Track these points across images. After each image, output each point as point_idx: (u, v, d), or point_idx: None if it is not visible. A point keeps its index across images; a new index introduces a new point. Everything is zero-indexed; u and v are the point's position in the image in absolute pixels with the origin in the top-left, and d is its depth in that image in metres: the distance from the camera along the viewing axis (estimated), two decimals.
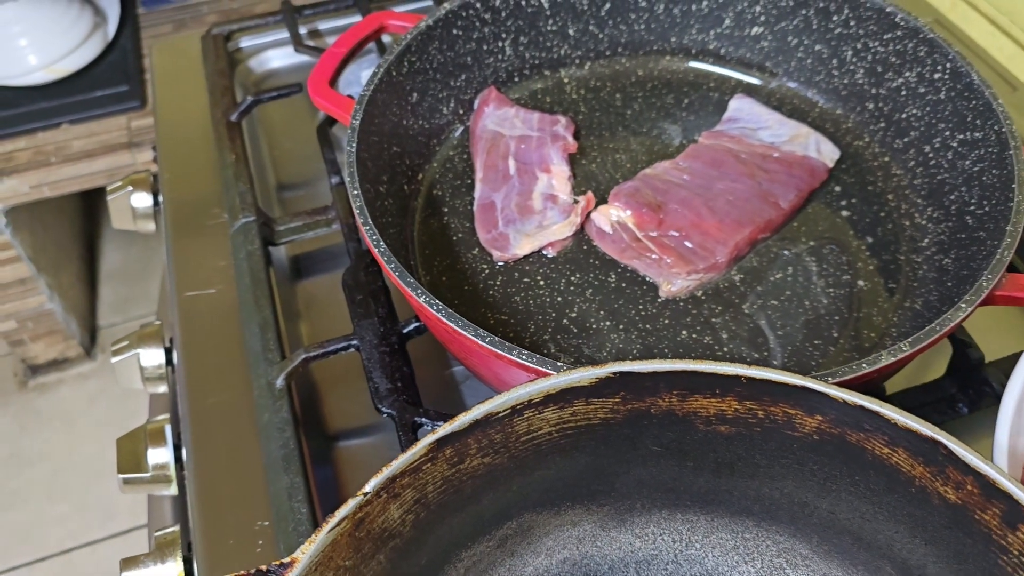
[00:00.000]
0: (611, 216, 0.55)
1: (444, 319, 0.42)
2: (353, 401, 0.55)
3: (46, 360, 1.58)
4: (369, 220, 0.47)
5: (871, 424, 0.35)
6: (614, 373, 0.36)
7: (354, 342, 0.53)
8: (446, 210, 0.59)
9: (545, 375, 0.37)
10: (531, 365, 0.41)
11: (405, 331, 0.53)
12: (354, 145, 0.51)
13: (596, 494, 0.42)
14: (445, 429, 0.35)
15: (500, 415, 0.36)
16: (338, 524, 0.33)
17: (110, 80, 1.37)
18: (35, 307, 1.48)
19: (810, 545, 0.41)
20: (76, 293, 1.62)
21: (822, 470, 0.39)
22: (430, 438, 0.35)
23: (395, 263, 0.45)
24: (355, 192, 0.48)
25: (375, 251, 0.46)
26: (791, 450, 0.39)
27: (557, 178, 0.59)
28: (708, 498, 0.42)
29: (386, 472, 0.34)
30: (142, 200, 0.72)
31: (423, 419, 0.49)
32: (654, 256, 0.54)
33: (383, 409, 0.50)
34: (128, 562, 0.53)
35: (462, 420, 0.36)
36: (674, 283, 0.53)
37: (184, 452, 0.55)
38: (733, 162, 0.58)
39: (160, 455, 0.57)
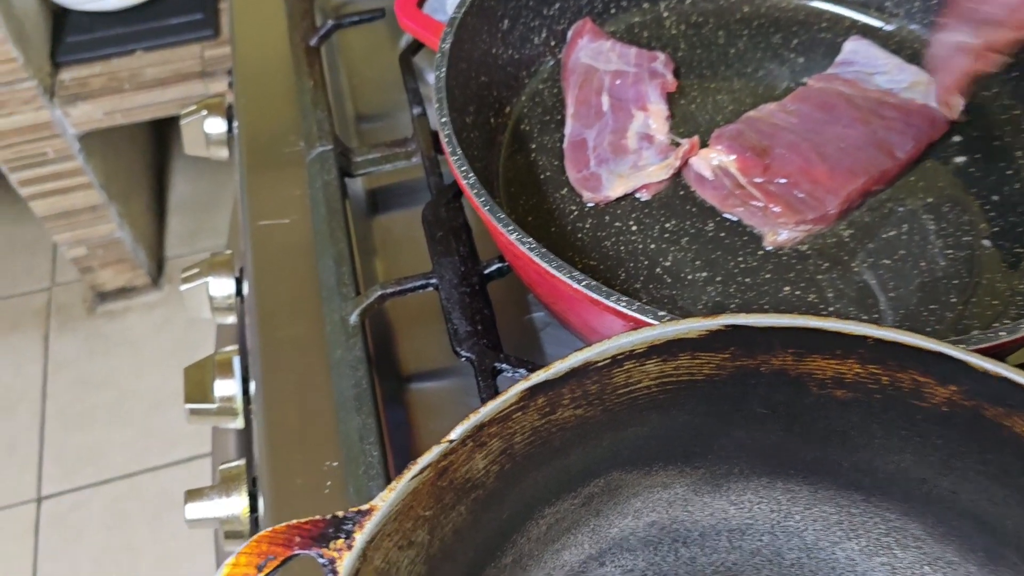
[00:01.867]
0: (712, 160, 0.51)
1: (537, 259, 0.39)
2: (429, 343, 0.53)
3: (114, 288, 1.59)
4: (458, 149, 0.44)
5: (1015, 399, 0.32)
6: (726, 326, 0.33)
7: (433, 280, 0.50)
8: (534, 146, 0.56)
9: (644, 324, 0.34)
10: (629, 313, 0.37)
11: (487, 272, 0.50)
12: (443, 70, 0.48)
13: (692, 456, 0.39)
14: (540, 376, 0.32)
15: (599, 364, 0.33)
16: (421, 472, 0.31)
17: (184, 7, 1.35)
18: (105, 235, 1.49)
19: (924, 526, 0.38)
20: (145, 222, 1.63)
21: (948, 445, 0.35)
22: (523, 385, 0.32)
23: (485, 196, 0.42)
24: (444, 120, 0.45)
25: (463, 183, 0.43)
26: (914, 421, 0.35)
27: (654, 117, 0.55)
28: (813, 467, 0.38)
29: (474, 419, 0.32)
30: (216, 125, 0.70)
31: (504, 365, 0.46)
32: (759, 204, 0.50)
33: (462, 352, 0.47)
34: (193, 494, 0.51)
35: (558, 367, 0.33)
36: (780, 233, 0.49)
37: (252, 385, 0.53)
38: (846, 106, 0.54)
39: (228, 387, 0.56)
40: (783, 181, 0.50)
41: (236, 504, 0.51)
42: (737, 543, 0.39)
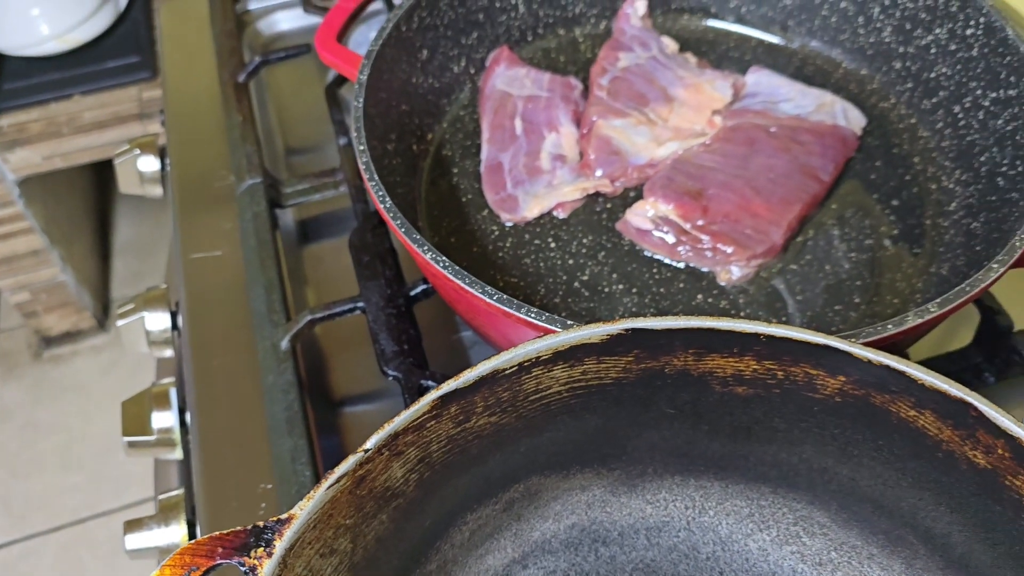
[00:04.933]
0: (648, 212, 0.52)
1: (451, 276, 0.41)
2: (359, 366, 0.54)
3: (60, 332, 1.58)
4: (375, 175, 0.45)
5: (897, 385, 0.34)
6: (626, 330, 0.35)
7: (360, 304, 0.52)
8: (455, 171, 0.58)
9: (554, 333, 0.36)
10: (540, 323, 0.39)
11: (412, 293, 0.52)
12: (361, 100, 0.49)
13: (607, 458, 0.40)
14: (450, 385, 0.34)
15: (507, 372, 0.35)
16: (337, 481, 0.32)
17: (121, 51, 1.36)
18: (48, 279, 1.48)
19: (829, 513, 0.40)
20: (89, 266, 1.62)
21: (843, 434, 0.37)
22: (434, 394, 0.34)
23: (401, 219, 0.43)
24: (362, 147, 0.47)
25: (380, 207, 0.44)
26: (811, 413, 0.37)
27: (566, 138, 0.57)
28: (723, 463, 0.40)
29: (388, 428, 0.33)
30: (149, 163, 0.71)
31: (429, 382, 0.47)
32: (708, 246, 0.51)
33: (389, 371, 0.48)
34: (132, 524, 0.52)
35: (467, 376, 0.34)
36: (732, 272, 0.50)
37: (188, 416, 0.53)
38: (764, 137, 0.56)
39: (165, 419, 0.56)
40: (724, 220, 0.51)
41: (175, 533, 0.51)
42: (655, 540, 0.41)
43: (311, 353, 0.55)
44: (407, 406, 0.47)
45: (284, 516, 0.31)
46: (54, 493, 1.43)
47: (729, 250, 0.50)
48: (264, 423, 0.50)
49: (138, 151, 0.71)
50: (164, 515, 0.52)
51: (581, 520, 0.41)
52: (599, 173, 0.54)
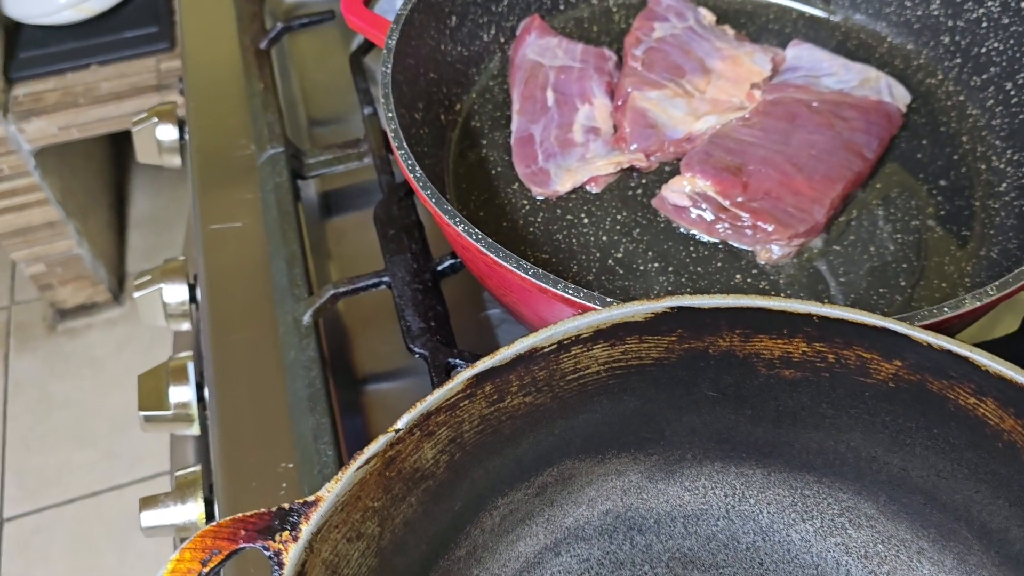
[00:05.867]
0: (685, 188, 0.50)
1: (484, 249, 0.39)
2: (383, 343, 0.53)
3: (74, 305, 1.57)
4: (404, 144, 0.43)
5: (957, 371, 0.32)
6: (672, 308, 0.33)
7: (385, 278, 0.50)
8: (484, 143, 0.56)
9: (595, 310, 0.34)
10: (578, 300, 0.37)
11: (439, 268, 0.50)
12: (389, 66, 0.47)
13: (644, 442, 0.38)
14: (485, 363, 0.32)
15: (545, 350, 0.33)
16: (367, 462, 0.31)
17: (139, 21, 1.34)
18: (64, 251, 1.47)
19: (876, 504, 0.38)
20: (105, 239, 1.61)
21: (895, 421, 0.35)
22: (468, 372, 0.32)
23: (431, 189, 0.41)
24: (390, 115, 0.45)
25: (410, 177, 0.43)
26: (862, 399, 0.35)
27: (600, 110, 0.55)
28: (766, 450, 0.39)
29: (420, 408, 0.31)
30: (168, 132, 0.70)
31: (457, 360, 0.46)
32: (747, 224, 0.49)
33: (415, 349, 0.47)
34: (148, 501, 0.50)
35: (504, 354, 0.33)
36: (773, 251, 0.48)
37: (207, 391, 0.52)
38: (806, 112, 0.53)
39: (182, 393, 0.55)
40: (765, 197, 0.49)
41: (192, 511, 0.50)
42: (693, 529, 0.39)
43: (333, 329, 0.54)
44: (434, 385, 0.46)
45: (311, 498, 0.30)
46: (67, 467, 1.42)
47: (770, 228, 0.48)
48: (285, 400, 0.48)
49: (156, 119, 0.70)
50: (181, 492, 0.51)
51: (616, 506, 0.39)
52: (634, 147, 0.52)
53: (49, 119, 1.30)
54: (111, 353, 1.55)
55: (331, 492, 0.30)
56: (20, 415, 1.48)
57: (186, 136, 0.68)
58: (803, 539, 0.39)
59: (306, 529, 0.29)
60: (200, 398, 0.55)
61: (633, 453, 0.39)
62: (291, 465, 0.46)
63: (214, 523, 0.29)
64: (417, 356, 0.47)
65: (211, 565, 0.28)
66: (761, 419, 0.37)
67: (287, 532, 0.29)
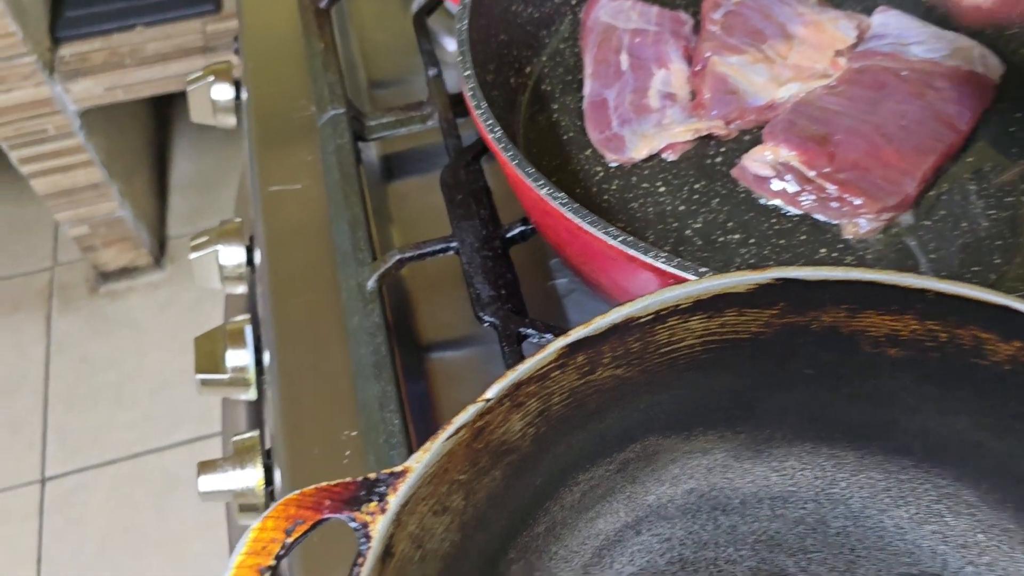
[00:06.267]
0: (768, 158, 0.48)
1: (570, 214, 0.37)
2: (449, 310, 0.51)
3: (116, 267, 1.57)
4: (483, 103, 0.42)
5: None
6: (777, 279, 0.31)
7: (453, 244, 0.48)
8: (555, 107, 0.54)
9: (695, 280, 0.32)
10: (668, 269, 0.36)
11: (509, 235, 0.48)
12: (465, 22, 0.46)
13: (733, 420, 0.37)
14: (580, 332, 0.31)
15: (642, 320, 0.31)
16: (456, 432, 0.29)
17: None
18: (107, 213, 1.47)
19: (978, 492, 0.36)
20: (147, 201, 1.61)
21: (1007, 406, 0.33)
22: (561, 341, 0.30)
23: (513, 150, 0.40)
24: (468, 73, 0.43)
25: (489, 138, 0.41)
26: (972, 381, 0.33)
27: (676, 76, 0.53)
28: (861, 432, 0.37)
29: (511, 377, 0.30)
30: (224, 92, 0.68)
31: (529, 330, 0.44)
32: (834, 196, 0.46)
33: (485, 317, 0.45)
34: (206, 465, 0.49)
35: (598, 323, 0.31)
36: (860, 225, 0.46)
37: (266, 355, 0.51)
38: (895, 81, 0.51)
39: (239, 357, 0.54)
40: (853, 169, 0.47)
41: (251, 476, 0.49)
42: (780, 511, 0.38)
43: (397, 294, 0.52)
44: (505, 358, 0.44)
45: (398, 468, 0.28)
46: (108, 428, 1.43)
47: (858, 201, 0.46)
48: (348, 367, 0.47)
49: (212, 78, 0.68)
50: (240, 457, 0.50)
51: (700, 485, 0.38)
52: (714, 113, 0.50)
53: (95, 80, 1.30)
54: (152, 316, 1.55)
55: (420, 463, 0.28)
56: (62, 374, 1.49)
57: (242, 96, 0.67)
58: (897, 525, 0.37)
59: (394, 500, 0.28)
60: (258, 363, 0.54)
61: (721, 431, 0.37)
62: (355, 433, 0.45)
63: (297, 492, 0.28)
64: (487, 325, 0.45)
65: (295, 535, 0.27)
66: (858, 399, 0.36)
67: (374, 503, 0.28)
